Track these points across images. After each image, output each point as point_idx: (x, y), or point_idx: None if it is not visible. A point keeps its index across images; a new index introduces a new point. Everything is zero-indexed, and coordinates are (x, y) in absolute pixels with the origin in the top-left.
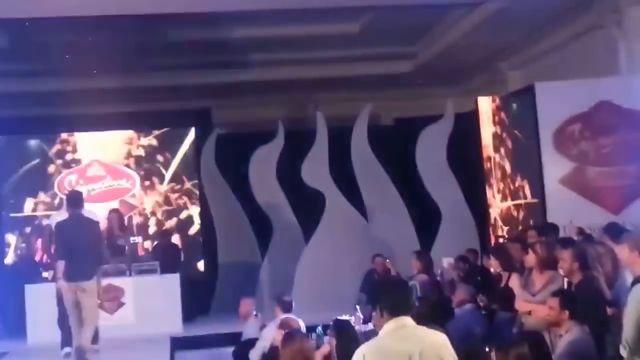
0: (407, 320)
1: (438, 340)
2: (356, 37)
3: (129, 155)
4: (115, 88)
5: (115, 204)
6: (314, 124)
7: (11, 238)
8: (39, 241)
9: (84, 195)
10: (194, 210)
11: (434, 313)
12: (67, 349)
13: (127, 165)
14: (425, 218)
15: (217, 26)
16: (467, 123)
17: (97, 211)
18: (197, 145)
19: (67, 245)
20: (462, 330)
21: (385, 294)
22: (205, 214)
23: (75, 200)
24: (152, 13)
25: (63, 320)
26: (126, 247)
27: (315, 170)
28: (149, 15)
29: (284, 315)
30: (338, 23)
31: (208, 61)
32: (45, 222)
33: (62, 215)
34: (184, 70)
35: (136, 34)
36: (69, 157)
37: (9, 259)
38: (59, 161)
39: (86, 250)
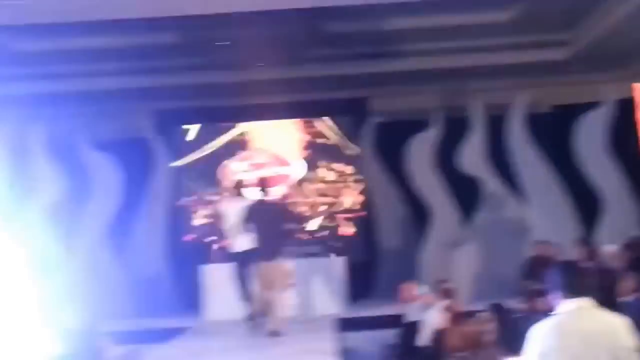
0: (587, 302)
1: (618, 323)
2: (510, 25)
3: (293, 143)
4: (278, 79)
5: (280, 190)
6: (470, 111)
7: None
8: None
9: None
10: (355, 197)
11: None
12: (250, 322)
13: (292, 153)
14: (585, 205)
15: (373, 18)
16: (624, 110)
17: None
18: (356, 133)
19: (258, 227)
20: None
21: (564, 276)
22: (365, 201)
23: (263, 186)
24: (312, 7)
25: (247, 296)
26: (294, 231)
27: (472, 157)
28: (308, 9)
29: (446, 301)
30: (491, 11)
31: (365, 52)
32: (217, 206)
33: (231, 200)
34: (342, 61)
35: (296, 27)
36: (238, 144)
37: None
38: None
39: (275, 231)
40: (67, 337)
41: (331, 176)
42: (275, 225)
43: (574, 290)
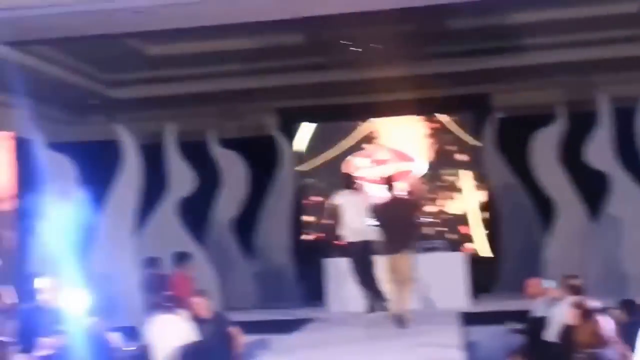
0: None
1: None
2: (636, 17)
3: (415, 139)
4: (401, 76)
5: (401, 186)
6: (595, 105)
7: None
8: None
9: (374, 177)
10: (476, 192)
11: None
12: (372, 314)
13: (414, 149)
14: None
15: (496, 13)
16: None
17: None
18: (478, 129)
19: (387, 222)
20: None
21: None
22: (488, 196)
23: (391, 182)
24: (435, 4)
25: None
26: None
27: (599, 151)
28: (431, 6)
29: (574, 296)
30: (619, 2)
31: (487, 47)
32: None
33: (344, 195)
34: (464, 56)
35: (418, 24)
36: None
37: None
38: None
39: (402, 225)
40: (200, 325)
41: (453, 172)
42: (402, 219)
43: None
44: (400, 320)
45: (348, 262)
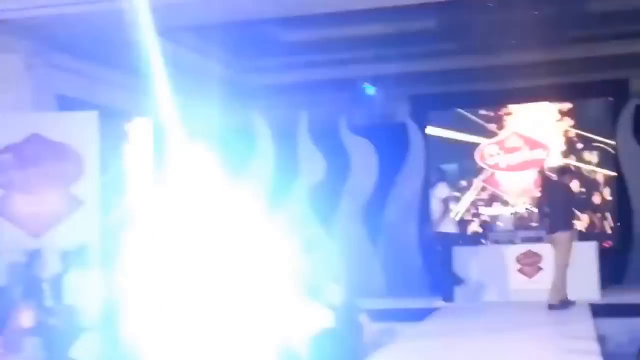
0: None
1: None
2: None
3: (550, 126)
4: (537, 62)
5: (532, 174)
6: None
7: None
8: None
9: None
10: (609, 180)
11: None
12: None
13: (544, 136)
14: None
15: None
16: None
17: (514, 180)
18: (615, 115)
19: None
20: None
21: None
22: (621, 183)
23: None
24: None
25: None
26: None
27: None
28: None
29: None
30: None
31: (627, 31)
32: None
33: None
34: (602, 41)
35: (555, 8)
36: (492, 128)
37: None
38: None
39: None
40: (332, 312)
41: (588, 160)
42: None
43: None
44: (553, 302)
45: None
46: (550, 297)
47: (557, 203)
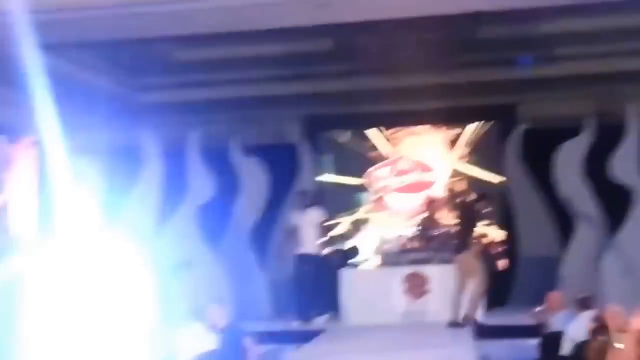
0: None
1: None
2: None
3: (436, 149)
4: (428, 85)
5: (422, 196)
6: (623, 118)
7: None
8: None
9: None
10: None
11: None
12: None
13: (434, 159)
14: None
15: (524, 22)
16: None
17: (404, 203)
18: (503, 140)
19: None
20: None
21: None
22: (506, 207)
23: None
24: (462, 12)
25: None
26: (435, 237)
27: (624, 166)
28: (459, 14)
29: (585, 312)
30: None
31: (515, 57)
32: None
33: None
34: (491, 66)
35: (446, 32)
36: (384, 150)
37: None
38: (376, 154)
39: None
40: (215, 334)
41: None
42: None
43: None
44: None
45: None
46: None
47: (467, 226)
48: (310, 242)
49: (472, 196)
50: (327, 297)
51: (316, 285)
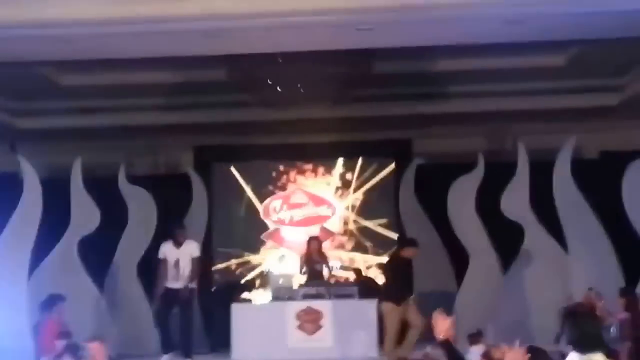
0: (597, 357)
1: None
2: (562, 70)
3: (330, 183)
4: (322, 118)
5: (315, 230)
6: (514, 155)
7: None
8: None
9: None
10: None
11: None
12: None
13: (328, 193)
14: (632, 254)
15: (420, 59)
16: None
17: (298, 236)
18: (397, 175)
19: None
20: None
21: (575, 329)
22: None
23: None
24: (358, 48)
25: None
26: (324, 272)
27: (515, 202)
28: (355, 49)
29: (476, 346)
30: (543, 55)
31: (409, 92)
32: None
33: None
34: (386, 101)
35: (343, 66)
36: (277, 183)
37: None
38: (270, 187)
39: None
40: None
41: (365, 217)
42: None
43: (583, 344)
44: None
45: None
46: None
47: (394, 274)
48: (180, 277)
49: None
50: (215, 333)
51: (188, 321)
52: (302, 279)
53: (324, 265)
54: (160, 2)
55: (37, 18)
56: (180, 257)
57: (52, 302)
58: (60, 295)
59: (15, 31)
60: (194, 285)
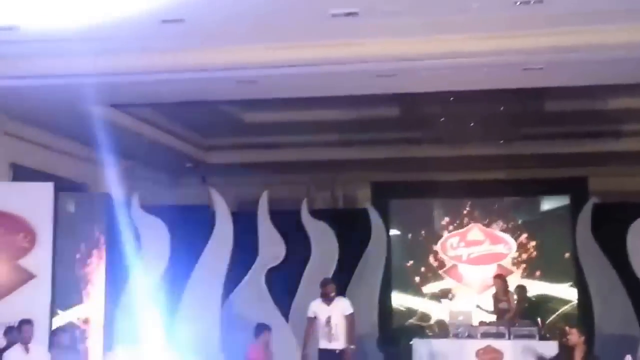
0: None
1: None
2: None
3: (507, 221)
4: (494, 156)
5: (492, 268)
6: None
7: None
8: None
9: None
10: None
11: None
12: None
13: (505, 231)
14: None
15: (593, 98)
16: None
17: (475, 274)
18: (572, 214)
19: None
20: None
21: None
22: (581, 284)
23: None
24: (531, 87)
25: None
26: (508, 311)
27: None
28: (526, 88)
29: None
30: None
31: (584, 130)
32: None
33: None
34: (560, 139)
35: (514, 105)
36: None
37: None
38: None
39: None
40: None
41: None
42: None
43: None
44: None
45: None
46: None
47: None
48: (333, 336)
49: None
50: None
51: None
52: (484, 316)
53: (508, 304)
54: (341, 46)
55: (228, 61)
56: (332, 315)
57: (259, 330)
58: (267, 325)
59: (207, 74)
60: (353, 347)
